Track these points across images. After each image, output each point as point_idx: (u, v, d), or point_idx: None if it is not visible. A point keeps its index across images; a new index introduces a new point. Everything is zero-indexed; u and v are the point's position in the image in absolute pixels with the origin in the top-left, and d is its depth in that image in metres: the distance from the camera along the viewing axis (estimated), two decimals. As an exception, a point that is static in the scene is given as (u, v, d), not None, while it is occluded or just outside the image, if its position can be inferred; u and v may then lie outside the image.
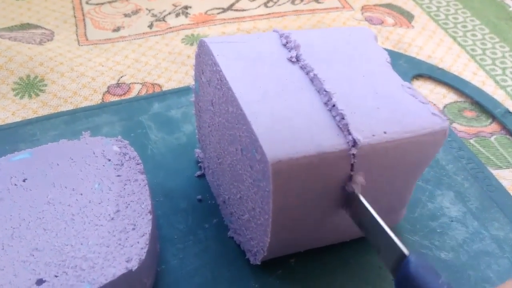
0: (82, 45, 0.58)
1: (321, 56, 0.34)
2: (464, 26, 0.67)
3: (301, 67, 0.34)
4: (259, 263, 0.35)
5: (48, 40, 0.58)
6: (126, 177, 0.35)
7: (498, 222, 0.41)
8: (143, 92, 0.52)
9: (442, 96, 0.55)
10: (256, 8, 0.67)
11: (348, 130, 0.29)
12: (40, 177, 0.35)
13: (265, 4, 0.68)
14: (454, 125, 0.51)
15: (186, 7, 0.66)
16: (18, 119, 0.48)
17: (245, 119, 0.30)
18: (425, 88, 0.56)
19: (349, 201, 0.31)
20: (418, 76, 0.57)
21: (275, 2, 0.68)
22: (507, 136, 0.51)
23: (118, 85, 0.53)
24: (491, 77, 0.58)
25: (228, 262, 0.37)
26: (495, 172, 0.46)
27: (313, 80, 0.33)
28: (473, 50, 0.62)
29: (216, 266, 0.36)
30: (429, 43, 0.63)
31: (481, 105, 0.53)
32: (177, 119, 0.48)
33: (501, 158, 0.48)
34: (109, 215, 0.33)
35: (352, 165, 0.30)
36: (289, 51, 0.35)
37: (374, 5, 0.69)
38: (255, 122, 0.29)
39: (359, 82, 0.33)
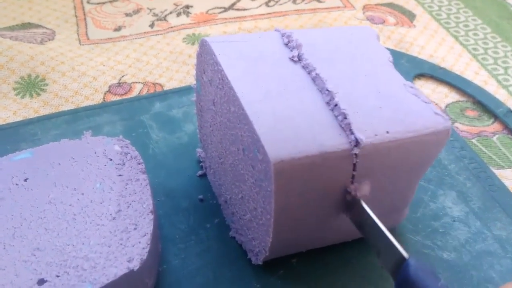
0: (83, 45, 0.58)
1: (323, 55, 0.34)
2: (466, 26, 0.66)
3: (303, 67, 0.34)
4: (260, 263, 0.35)
5: (49, 40, 0.58)
6: (128, 176, 0.35)
7: (500, 222, 0.41)
8: (144, 92, 0.52)
9: (444, 95, 0.55)
10: (257, 8, 0.67)
11: (350, 130, 0.29)
12: (41, 177, 0.35)
13: (267, 4, 0.67)
14: (456, 124, 0.51)
15: (187, 7, 0.66)
16: (19, 119, 0.48)
17: (247, 118, 0.30)
18: (427, 87, 0.56)
19: (349, 205, 0.32)
20: (420, 76, 0.56)
21: (277, 2, 0.68)
22: (509, 136, 0.50)
23: (119, 84, 0.53)
24: (493, 76, 0.58)
25: (229, 262, 0.36)
26: (497, 172, 0.46)
27: (315, 79, 0.33)
28: (475, 49, 0.62)
29: (218, 266, 0.36)
30: (431, 43, 0.62)
31: (483, 105, 0.53)
32: (178, 119, 0.48)
33: (503, 157, 0.48)
34: (111, 214, 0.33)
35: (354, 164, 0.29)
36: (291, 50, 0.35)
37: (376, 5, 0.69)
38: (257, 121, 0.29)
39: (361, 82, 0.33)
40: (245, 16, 0.65)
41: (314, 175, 0.29)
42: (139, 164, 0.36)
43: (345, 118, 0.30)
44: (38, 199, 0.34)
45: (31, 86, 0.51)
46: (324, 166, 0.29)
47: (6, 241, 0.31)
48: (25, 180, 0.35)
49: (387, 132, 0.30)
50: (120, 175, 0.35)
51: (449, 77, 0.56)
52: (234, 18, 0.64)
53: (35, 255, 0.30)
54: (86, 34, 0.60)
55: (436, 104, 0.53)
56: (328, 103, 0.31)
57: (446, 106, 0.54)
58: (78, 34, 0.60)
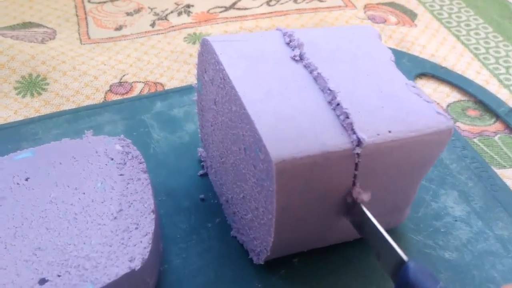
0: (84, 44, 0.58)
1: (324, 54, 0.34)
2: (468, 25, 0.66)
3: (304, 66, 0.34)
4: (262, 263, 0.35)
5: (50, 39, 0.58)
6: (129, 176, 0.35)
7: (502, 222, 0.41)
8: (146, 91, 0.52)
9: (446, 95, 0.55)
10: (258, 7, 0.66)
11: (352, 129, 0.29)
12: (42, 176, 0.35)
13: (268, 3, 0.67)
14: (458, 124, 0.51)
15: (188, 6, 0.66)
16: (20, 118, 0.48)
17: (249, 118, 0.30)
18: (428, 87, 0.55)
19: (349, 208, 0.32)
20: (421, 75, 0.56)
21: (278, 1, 0.68)
22: (511, 135, 0.50)
23: (120, 84, 0.53)
24: (494, 76, 0.58)
25: (231, 261, 0.36)
26: (499, 172, 0.46)
27: (317, 79, 0.32)
28: (476, 49, 0.62)
29: (219, 266, 0.36)
30: (432, 42, 0.62)
31: (485, 104, 0.53)
32: (179, 118, 0.48)
33: (505, 157, 0.48)
34: (112, 214, 0.33)
35: (356, 164, 0.29)
36: (293, 49, 0.35)
37: (377, 4, 0.69)
38: (259, 121, 0.29)
39: (363, 81, 0.33)
40: (246, 15, 0.65)
41: (316, 175, 0.29)
42: (141, 163, 0.36)
43: (347, 117, 0.29)
44: (39, 199, 0.33)
45: (32, 85, 0.51)
46: (326, 165, 0.29)
47: (8, 240, 0.31)
48: (26, 180, 0.35)
49: (389, 131, 0.30)
50: (121, 175, 0.35)
51: (451, 76, 0.56)
52: (235, 17, 0.64)
53: (36, 255, 0.30)
54: (87, 33, 0.60)
55: (438, 103, 0.53)
56: (330, 103, 0.31)
57: (448, 106, 0.53)
58: (79, 33, 0.60)
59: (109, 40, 0.59)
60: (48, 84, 0.52)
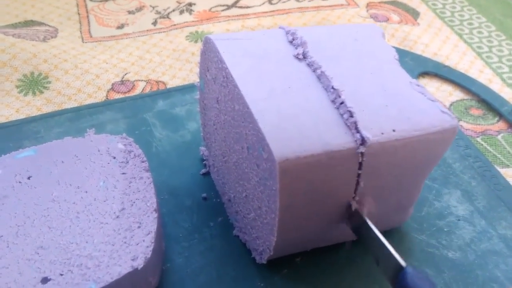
0: (86, 42, 0.58)
1: (328, 53, 0.34)
2: (470, 24, 0.66)
3: (308, 64, 0.33)
4: (264, 262, 0.35)
5: (52, 37, 0.58)
6: (131, 174, 0.35)
7: (505, 221, 0.40)
8: (147, 90, 0.52)
9: (449, 94, 0.55)
10: (260, 5, 0.66)
11: (356, 128, 0.29)
12: (44, 175, 0.35)
13: (270, 1, 0.67)
14: (461, 123, 0.51)
15: (190, 4, 0.66)
16: (22, 116, 0.48)
17: (252, 117, 0.30)
18: (431, 85, 0.55)
19: (350, 215, 0.32)
20: (424, 74, 0.56)
21: (280, -1, 0.68)
22: (514, 135, 0.50)
23: (122, 82, 0.53)
24: (497, 74, 0.58)
25: (233, 261, 0.36)
26: (502, 171, 0.46)
27: (320, 77, 0.32)
28: (479, 47, 0.62)
29: (221, 265, 0.36)
30: (435, 41, 0.62)
31: (488, 103, 0.53)
32: (181, 117, 0.48)
33: (508, 156, 0.48)
34: (114, 213, 0.33)
35: (360, 163, 0.29)
36: (296, 48, 0.35)
37: (379, 2, 0.69)
38: (262, 120, 0.29)
39: (367, 80, 0.32)
40: (248, 14, 0.64)
41: (319, 174, 0.29)
42: (143, 162, 0.36)
43: (351, 116, 0.29)
44: (42, 197, 0.33)
45: (34, 83, 0.51)
46: (329, 165, 0.29)
47: (10, 239, 0.31)
48: (29, 178, 0.35)
49: (394, 130, 0.29)
50: (123, 173, 0.35)
51: (454, 75, 0.56)
52: (237, 15, 0.64)
53: (38, 254, 0.30)
54: (89, 32, 0.60)
55: (441, 102, 0.53)
56: (333, 101, 0.31)
57: (451, 105, 0.53)
58: (81, 31, 0.60)
59: (111, 39, 0.59)
60: (50, 82, 0.52)
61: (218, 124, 0.37)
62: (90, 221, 0.32)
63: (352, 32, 0.37)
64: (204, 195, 0.41)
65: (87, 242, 0.31)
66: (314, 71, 0.33)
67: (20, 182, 0.34)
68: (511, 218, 0.41)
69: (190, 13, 0.64)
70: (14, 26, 0.59)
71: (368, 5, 0.68)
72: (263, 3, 0.67)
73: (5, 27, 0.58)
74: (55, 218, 0.32)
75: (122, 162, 0.36)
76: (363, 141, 0.29)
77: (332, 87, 0.31)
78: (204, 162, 0.43)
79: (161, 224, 0.36)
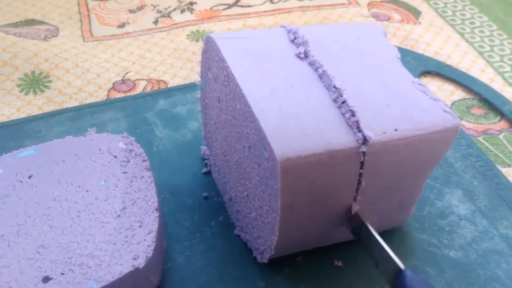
0: (87, 41, 0.58)
1: (330, 52, 0.34)
2: (472, 23, 0.66)
3: (309, 63, 0.33)
4: (266, 261, 0.35)
5: (53, 36, 0.58)
6: (133, 174, 0.35)
7: (507, 221, 0.40)
8: (148, 89, 0.52)
9: (450, 93, 0.54)
10: (261, 4, 0.66)
11: (358, 127, 0.29)
12: (45, 174, 0.35)
13: (271, 0, 0.67)
14: (462, 122, 0.51)
15: (191, 3, 0.66)
16: (23, 116, 0.48)
17: (253, 116, 0.30)
18: (432, 85, 0.55)
19: (350, 218, 0.32)
20: (426, 73, 0.56)
21: (281, -2, 0.68)
22: (516, 134, 0.50)
23: (123, 81, 0.53)
24: (499, 74, 0.58)
25: (234, 260, 0.36)
26: (504, 170, 0.46)
27: (322, 76, 0.32)
28: (481, 46, 0.62)
29: (223, 264, 0.36)
30: (436, 40, 0.62)
31: (490, 102, 0.53)
32: (182, 116, 0.48)
33: (509, 155, 0.48)
34: (116, 212, 0.33)
35: (362, 163, 0.29)
36: (297, 47, 0.35)
37: (381, 1, 0.69)
38: (263, 119, 0.29)
39: (369, 79, 0.32)
40: (250, 12, 0.64)
41: (321, 173, 0.29)
42: (144, 161, 0.36)
43: (353, 115, 0.29)
44: (43, 196, 0.33)
45: (35, 82, 0.51)
46: (331, 164, 0.28)
47: (11, 238, 0.31)
48: (30, 177, 0.35)
49: (396, 129, 0.29)
50: (124, 172, 0.35)
51: (455, 74, 0.56)
52: (238, 14, 0.64)
53: (39, 253, 0.30)
54: (90, 31, 0.60)
55: (442, 102, 0.53)
56: (335, 101, 0.31)
57: (452, 104, 0.53)
58: (81, 30, 0.60)
59: (112, 38, 0.59)
60: (51, 81, 0.51)
61: (219, 123, 0.37)
62: (91, 220, 0.32)
63: (354, 31, 0.37)
64: (205, 194, 0.41)
65: (88, 241, 0.31)
66: (315, 70, 0.33)
67: (21, 181, 0.34)
68: (513, 218, 0.41)
69: (191, 12, 0.64)
70: (15, 25, 0.59)
71: (370, 4, 0.68)
72: (264, 2, 0.67)
73: (6, 26, 0.58)
74: (56, 217, 0.32)
75: (123, 161, 0.36)
76: (365, 141, 0.29)
77: (334, 86, 0.31)
78: (205, 161, 0.43)
79: (162, 223, 0.36)
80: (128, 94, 0.51)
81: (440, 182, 0.43)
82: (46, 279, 0.29)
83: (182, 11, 0.64)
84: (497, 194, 0.42)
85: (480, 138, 0.49)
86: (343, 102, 0.30)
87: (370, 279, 0.36)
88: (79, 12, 0.63)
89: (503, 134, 0.50)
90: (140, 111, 0.48)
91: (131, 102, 0.49)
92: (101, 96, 0.51)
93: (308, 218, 0.31)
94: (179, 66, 0.55)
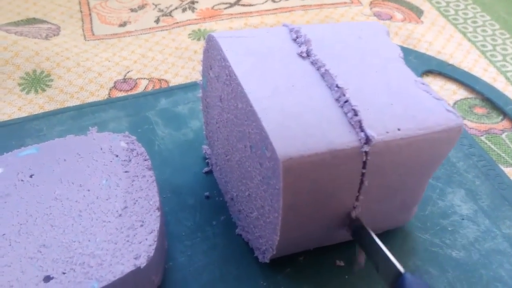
0: (88, 40, 0.58)
1: (332, 51, 0.34)
2: (474, 22, 0.66)
3: (311, 63, 0.33)
4: (267, 261, 0.35)
5: (54, 35, 0.58)
6: (134, 173, 0.35)
7: (509, 220, 0.40)
8: (150, 88, 0.52)
9: (452, 92, 0.54)
10: (263, 3, 0.66)
11: (361, 127, 0.29)
12: (47, 173, 0.35)
13: (273, -1, 0.67)
14: (465, 122, 0.51)
15: (192, 2, 0.65)
16: (24, 114, 0.48)
17: (255, 115, 0.29)
18: (435, 84, 0.55)
19: (350, 222, 0.32)
20: (428, 72, 0.56)
21: (283, -3, 0.67)
22: (519, 133, 0.50)
23: (124, 80, 0.53)
24: (502, 73, 0.57)
25: (236, 260, 0.36)
26: (507, 170, 0.45)
27: (324, 75, 0.32)
28: (483, 46, 0.62)
29: (224, 264, 0.36)
30: (439, 39, 0.62)
31: (492, 102, 0.53)
32: (184, 115, 0.47)
33: (512, 155, 0.48)
34: (117, 211, 0.32)
35: (364, 162, 0.29)
36: (299, 46, 0.34)
37: (383, 0, 0.69)
38: (265, 118, 0.29)
39: (371, 78, 0.32)
40: (251, 11, 0.64)
41: (323, 173, 0.29)
42: (145, 160, 0.36)
43: (356, 115, 0.29)
44: (44, 196, 0.33)
45: (36, 81, 0.51)
46: (333, 164, 0.28)
47: (12, 237, 0.31)
48: (31, 176, 0.35)
49: (399, 129, 0.29)
50: (126, 172, 0.35)
51: (458, 73, 0.55)
52: (240, 13, 0.64)
53: (41, 252, 0.30)
54: (91, 30, 0.59)
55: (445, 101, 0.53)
56: (337, 100, 0.31)
57: (455, 103, 0.53)
58: (83, 29, 0.59)
59: (113, 37, 0.59)
60: (52, 80, 0.51)
61: (221, 123, 0.37)
62: (92, 219, 0.32)
63: (356, 30, 0.36)
64: (206, 193, 0.40)
65: (89, 240, 0.31)
66: (318, 69, 0.33)
67: (22, 180, 0.34)
68: (516, 218, 0.40)
69: (193, 11, 0.64)
70: (16, 24, 0.59)
71: (372, 3, 0.68)
72: (266, 1, 0.66)
73: (7, 25, 0.58)
74: (57, 217, 0.32)
75: (124, 160, 0.36)
76: (367, 140, 0.28)
77: (336, 86, 0.31)
78: (206, 161, 0.43)
79: (164, 223, 0.35)
80: (129, 93, 0.51)
81: (443, 182, 0.43)
82: (47, 279, 0.29)
83: (184, 10, 0.64)
84: (499, 194, 0.42)
85: (482, 138, 0.49)
86: (346, 101, 0.30)
87: (372, 279, 0.35)
88: (81, 11, 0.63)
89: (506, 133, 0.50)
90: (142, 110, 0.48)
91: (133, 101, 0.49)
92: (102, 95, 0.51)
93: (310, 218, 0.31)
94: (180, 65, 0.55)
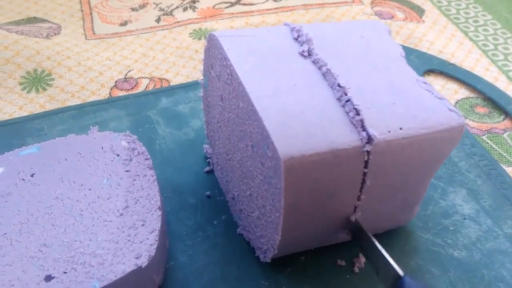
0: (89, 39, 0.58)
1: (334, 50, 0.34)
2: (476, 21, 0.66)
3: (313, 62, 0.33)
4: (269, 261, 0.35)
5: (55, 34, 0.58)
6: (135, 172, 0.35)
7: (511, 220, 0.40)
8: (151, 87, 0.52)
9: (454, 92, 0.54)
10: (264, 2, 0.66)
11: (363, 126, 0.29)
12: (48, 172, 0.35)
13: (274, -2, 0.67)
14: (466, 121, 0.51)
15: (193, 1, 0.65)
16: (25, 114, 0.47)
17: (256, 114, 0.29)
18: (436, 83, 0.55)
19: (350, 226, 0.32)
20: (429, 72, 0.56)
21: (284, -4, 0.67)
22: (520, 133, 0.50)
23: (125, 79, 0.52)
24: (503, 72, 0.57)
25: (237, 259, 0.36)
26: (508, 169, 0.45)
27: (326, 75, 0.32)
28: (485, 45, 0.61)
29: (225, 263, 0.36)
30: (440, 38, 0.62)
31: (494, 101, 0.52)
32: (185, 114, 0.47)
33: (514, 155, 0.47)
34: (118, 210, 0.32)
35: (366, 162, 0.29)
36: (301, 45, 0.34)
37: (384, 0, 0.68)
38: (267, 117, 0.29)
39: (373, 77, 0.32)
40: (252, 11, 0.64)
41: (324, 173, 0.29)
42: (147, 159, 0.36)
43: (358, 114, 0.29)
44: (45, 195, 0.33)
45: (37, 81, 0.51)
46: (335, 163, 0.28)
47: (13, 236, 0.31)
48: (32, 176, 0.35)
49: (401, 128, 0.29)
50: (127, 171, 0.35)
51: (459, 73, 0.55)
52: (241, 13, 0.64)
53: (42, 251, 0.30)
54: (92, 29, 0.59)
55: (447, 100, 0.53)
56: (339, 99, 0.30)
57: (456, 103, 0.53)
58: (84, 28, 0.59)
59: (114, 36, 0.58)
60: (53, 79, 0.51)
61: (222, 122, 0.37)
62: (93, 218, 0.32)
63: (358, 29, 0.36)
64: (208, 193, 0.40)
65: (90, 240, 0.31)
66: (319, 68, 0.33)
67: (23, 179, 0.34)
68: (517, 217, 0.40)
69: (194, 10, 0.64)
70: (17, 23, 0.59)
71: (373, 2, 0.68)
72: (267, 0, 0.66)
73: (8, 24, 0.58)
74: (58, 216, 0.32)
75: (125, 159, 0.36)
76: (369, 139, 0.28)
77: (338, 85, 0.31)
78: (207, 160, 0.43)
79: (165, 222, 0.35)
80: (130, 92, 0.51)
81: (444, 181, 0.43)
82: (48, 278, 0.29)
83: (185, 9, 0.64)
84: (501, 194, 0.42)
85: (484, 137, 0.49)
86: (347, 101, 0.30)
87: (374, 279, 0.35)
88: (81, 10, 0.62)
89: (507, 133, 0.50)
90: (143, 110, 0.48)
91: (134, 100, 0.49)
92: (103, 94, 0.51)
93: (312, 217, 0.31)
94: (181, 64, 0.55)
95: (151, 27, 0.60)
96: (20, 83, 0.51)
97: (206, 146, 0.43)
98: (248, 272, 0.35)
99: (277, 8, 0.65)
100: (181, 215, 0.39)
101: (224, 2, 0.65)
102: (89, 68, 0.53)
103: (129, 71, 0.53)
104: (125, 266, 0.29)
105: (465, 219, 0.40)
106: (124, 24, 0.61)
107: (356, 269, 0.36)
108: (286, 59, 0.33)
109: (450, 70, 0.56)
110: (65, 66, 0.53)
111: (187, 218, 0.38)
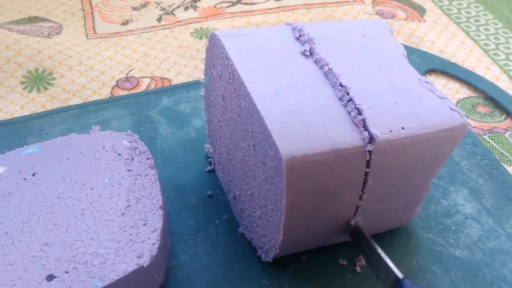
0: (90, 39, 0.58)
1: (335, 49, 0.34)
2: (477, 21, 0.66)
3: (315, 61, 0.33)
4: (270, 260, 0.35)
5: (56, 34, 0.58)
6: (137, 171, 0.35)
7: (513, 220, 0.40)
8: (152, 86, 0.52)
9: (455, 91, 0.54)
10: (265, 2, 0.66)
11: (365, 126, 0.29)
12: (49, 172, 0.35)
13: (275, -2, 0.67)
14: (468, 120, 0.51)
15: (195, 1, 0.65)
16: (26, 113, 0.47)
17: (258, 114, 0.29)
18: (437, 83, 0.55)
19: (350, 229, 0.33)
20: (431, 71, 0.56)
21: (285, -4, 0.67)
22: (522, 133, 0.50)
23: (127, 79, 0.52)
24: (505, 72, 0.57)
25: (239, 259, 0.36)
26: (510, 169, 0.45)
27: (328, 74, 0.32)
28: (486, 45, 0.61)
29: (227, 263, 0.36)
30: (441, 38, 0.62)
31: (495, 101, 0.52)
32: (186, 114, 0.47)
33: (515, 154, 0.47)
34: (120, 210, 0.32)
35: (368, 161, 0.29)
36: (302, 44, 0.34)
37: (385, -1, 0.68)
38: (268, 117, 0.29)
39: (375, 77, 0.32)
40: (254, 10, 0.64)
41: (326, 172, 0.29)
42: (148, 159, 0.36)
43: (360, 113, 0.29)
44: (47, 194, 0.33)
45: (38, 80, 0.51)
46: (336, 163, 0.28)
47: (15, 236, 0.31)
48: (34, 175, 0.35)
49: (403, 128, 0.29)
50: (129, 170, 0.35)
51: (461, 72, 0.55)
52: (242, 12, 0.64)
53: (44, 251, 0.30)
54: (93, 28, 0.59)
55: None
56: (340, 99, 0.30)
57: (458, 102, 0.53)
58: (85, 28, 0.59)
59: (116, 35, 0.58)
60: (54, 79, 0.51)
61: (224, 121, 0.37)
62: (95, 218, 0.32)
63: (360, 29, 0.36)
64: (209, 192, 0.40)
65: (92, 239, 0.31)
66: (321, 68, 0.33)
67: (25, 179, 0.34)
68: (519, 217, 0.40)
69: (195, 10, 0.64)
70: (19, 22, 0.59)
71: (374, 2, 0.68)
72: (268, 0, 0.66)
73: (9, 24, 0.58)
74: (60, 215, 0.32)
75: (127, 159, 0.36)
76: (371, 139, 0.28)
77: (340, 84, 0.31)
78: (209, 160, 0.43)
79: (167, 222, 0.35)
80: (131, 91, 0.51)
81: (446, 181, 0.43)
82: (50, 277, 0.29)
83: (186, 8, 0.64)
84: (503, 193, 0.42)
85: (485, 137, 0.49)
86: (349, 100, 0.30)
87: (375, 279, 0.35)
88: (83, 10, 0.62)
89: (509, 132, 0.50)
90: (144, 109, 0.48)
91: (135, 99, 0.49)
92: (104, 93, 0.51)
93: (313, 217, 0.31)
94: (183, 64, 0.55)
95: (152, 27, 0.60)
96: (22, 83, 0.51)
97: (207, 145, 0.43)
98: (250, 272, 0.35)
99: (278, 7, 0.65)
100: (182, 214, 0.39)
101: (225, 2, 0.65)
102: (91, 68, 0.53)
103: (130, 71, 0.53)
104: (126, 265, 0.29)
105: (466, 218, 0.40)
106: (125, 23, 0.61)
107: (358, 269, 0.36)
108: (287, 58, 0.33)
109: (452, 70, 0.55)
110: (66, 65, 0.53)
111: (188, 217, 0.38)
